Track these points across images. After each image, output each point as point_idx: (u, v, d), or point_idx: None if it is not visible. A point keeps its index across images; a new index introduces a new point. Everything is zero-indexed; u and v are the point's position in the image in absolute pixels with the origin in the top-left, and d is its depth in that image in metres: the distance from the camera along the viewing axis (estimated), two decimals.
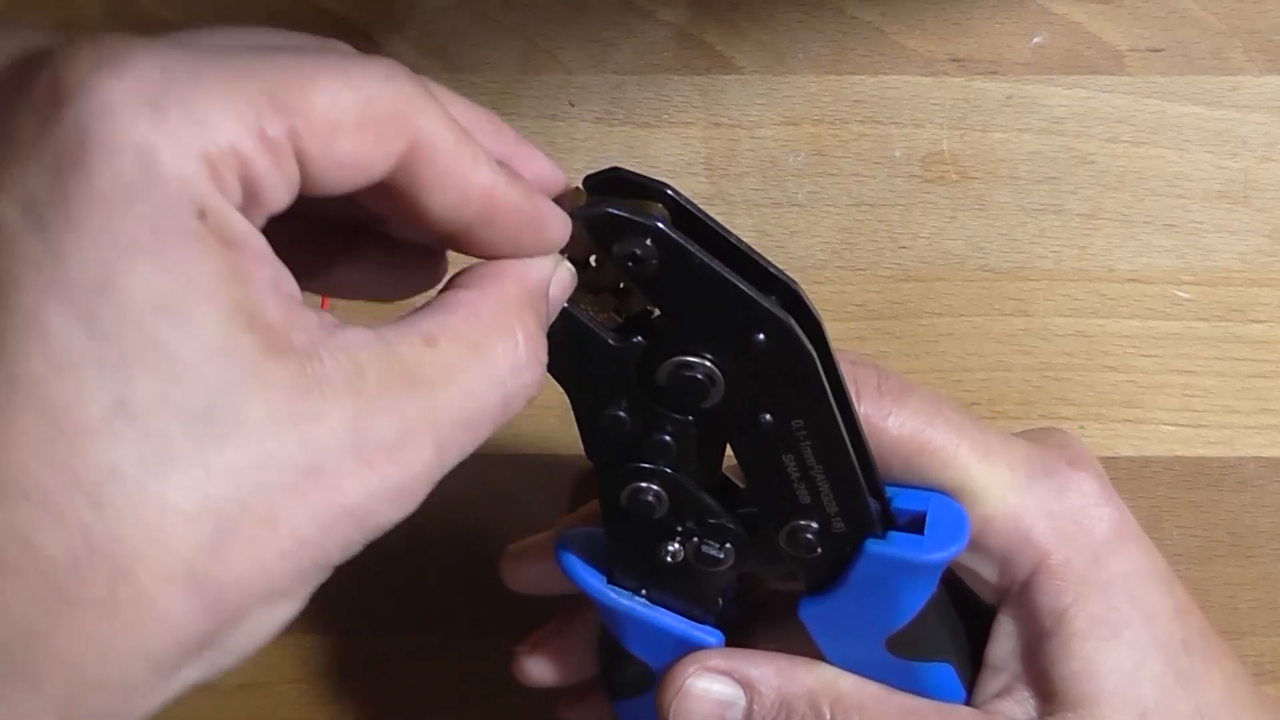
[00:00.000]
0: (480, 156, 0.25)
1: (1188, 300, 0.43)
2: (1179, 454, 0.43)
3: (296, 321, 0.23)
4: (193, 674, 0.22)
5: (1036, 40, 0.42)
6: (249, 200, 0.23)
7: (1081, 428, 0.43)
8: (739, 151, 0.42)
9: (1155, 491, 0.43)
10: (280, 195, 0.23)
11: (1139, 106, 0.42)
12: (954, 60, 0.42)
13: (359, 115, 0.23)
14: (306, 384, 0.22)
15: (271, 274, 0.23)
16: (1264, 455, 0.43)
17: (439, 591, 0.45)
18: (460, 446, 0.24)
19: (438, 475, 0.24)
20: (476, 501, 0.44)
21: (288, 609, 0.23)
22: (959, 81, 0.42)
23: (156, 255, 0.21)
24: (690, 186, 0.42)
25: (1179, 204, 0.42)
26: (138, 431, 0.21)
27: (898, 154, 0.42)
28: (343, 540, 0.23)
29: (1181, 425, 0.43)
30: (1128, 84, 0.42)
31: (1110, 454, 0.43)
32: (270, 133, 0.22)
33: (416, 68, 0.42)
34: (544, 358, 0.26)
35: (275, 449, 0.22)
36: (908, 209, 0.42)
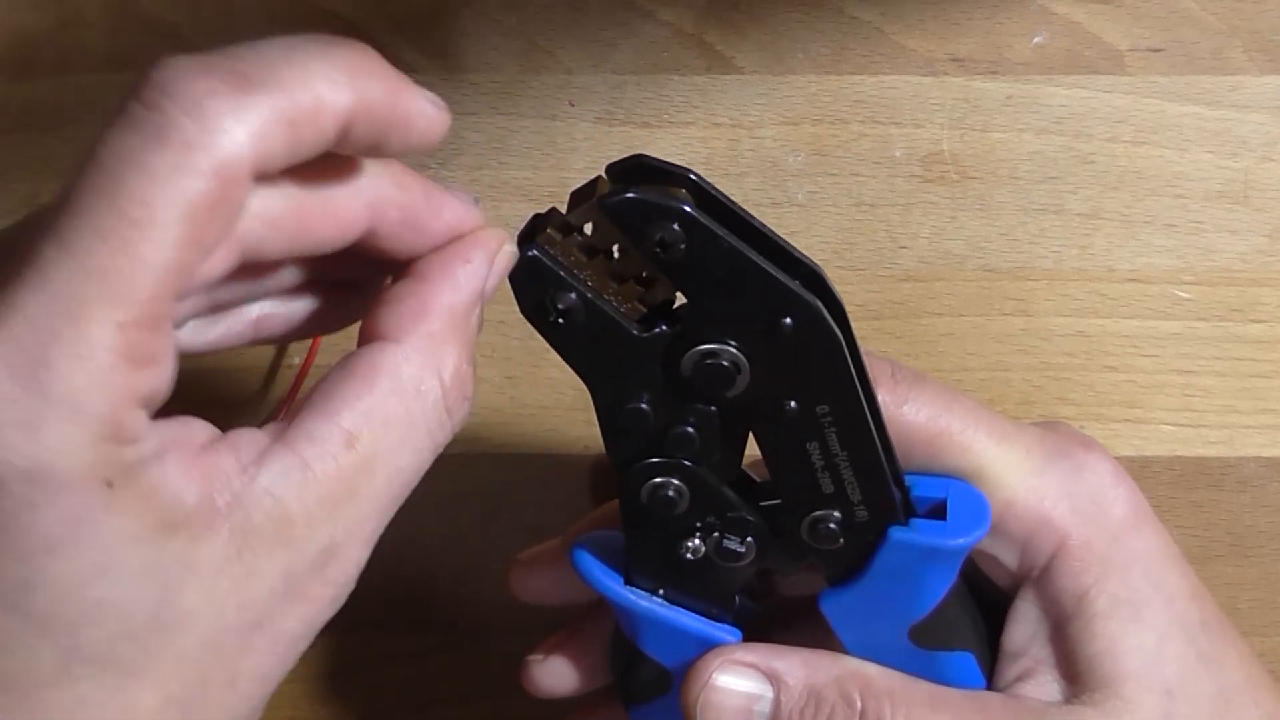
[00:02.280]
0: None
1: (1188, 300, 0.43)
2: (1179, 454, 0.43)
3: (216, 482, 0.24)
4: None
5: (1036, 40, 0.42)
6: (149, 403, 0.23)
7: (1081, 428, 0.43)
8: (739, 151, 0.42)
9: (1155, 491, 0.43)
10: (168, 371, 0.23)
11: (1139, 106, 0.42)
12: (954, 60, 0.42)
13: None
14: (237, 547, 0.24)
15: (178, 456, 0.23)
16: (1264, 455, 0.43)
17: (439, 591, 0.45)
18: (391, 513, 0.26)
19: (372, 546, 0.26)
20: (476, 501, 0.44)
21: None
22: (959, 81, 0.42)
23: (75, 542, 0.22)
24: None
25: (1179, 204, 0.42)
26: (92, 667, 0.23)
27: (898, 154, 0.42)
28: (296, 654, 0.25)
29: (1181, 425, 0.43)
30: (1128, 84, 0.42)
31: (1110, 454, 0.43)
32: (136, 357, 0.22)
33: (416, 68, 0.43)
34: (470, 389, 0.27)
35: (219, 624, 0.24)
36: (908, 209, 0.42)
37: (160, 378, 0.23)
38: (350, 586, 0.26)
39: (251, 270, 0.27)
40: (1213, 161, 0.42)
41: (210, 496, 0.23)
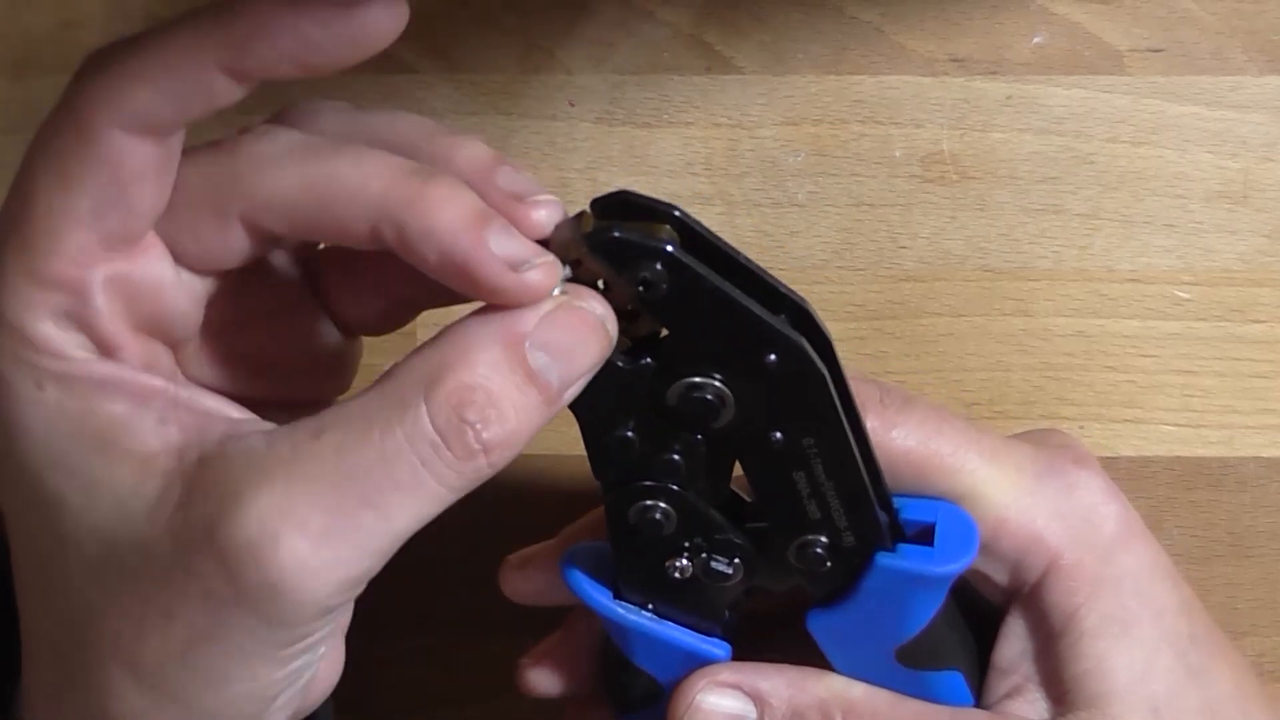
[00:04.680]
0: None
1: (1188, 300, 0.43)
2: (1179, 454, 0.43)
3: (191, 442, 0.26)
4: None
5: (1036, 40, 0.42)
6: (72, 320, 0.26)
7: (1081, 428, 0.43)
8: (739, 151, 0.42)
9: (1155, 491, 0.43)
10: (86, 301, 0.26)
11: (1139, 106, 0.42)
12: (954, 60, 0.42)
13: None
14: (182, 494, 0.25)
15: (158, 404, 0.26)
16: (1264, 455, 0.43)
17: (439, 592, 0.45)
18: (355, 523, 0.26)
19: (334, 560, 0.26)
20: (476, 501, 0.44)
21: None
22: (959, 81, 0.42)
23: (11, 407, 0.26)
24: (690, 186, 0.42)
25: (1179, 204, 0.42)
26: None
27: (898, 154, 0.42)
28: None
29: (1181, 425, 0.43)
30: (1128, 84, 0.42)
31: (1110, 454, 0.43)
32: (37, 279, 0.25)
33: (417, 68, 0.42)
34: (479, 415, 0.27)
35: (150, 552, 0.26)
36: (908, 209, 0.42)
37: (71, 303, 0.25)
38: (295, 581, 0.25)
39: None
40: (1212, 161, 0.42)
41: (182, 448, 0.26)
